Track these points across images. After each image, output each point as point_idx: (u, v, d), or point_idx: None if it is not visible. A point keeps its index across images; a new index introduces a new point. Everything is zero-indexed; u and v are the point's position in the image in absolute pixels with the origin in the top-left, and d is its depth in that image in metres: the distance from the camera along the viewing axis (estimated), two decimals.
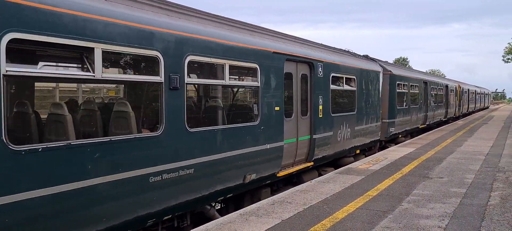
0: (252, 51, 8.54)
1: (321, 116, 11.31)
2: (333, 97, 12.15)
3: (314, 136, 10.99)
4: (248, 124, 8.57)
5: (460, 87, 39.32)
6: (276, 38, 10.06)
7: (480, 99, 61.94)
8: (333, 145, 12.09)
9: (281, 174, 9.68)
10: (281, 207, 7.47)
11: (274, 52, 9.25)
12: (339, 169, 11.48)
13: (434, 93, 26.90)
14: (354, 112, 13.63)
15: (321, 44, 13.34)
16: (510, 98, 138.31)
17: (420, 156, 13.53)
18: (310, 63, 10.91)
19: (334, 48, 14.12)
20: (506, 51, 56.29)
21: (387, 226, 6.40)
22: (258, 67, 8.71)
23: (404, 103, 19.99)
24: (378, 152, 15.82)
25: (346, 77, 13.10)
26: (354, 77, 13.68)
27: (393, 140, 19.32)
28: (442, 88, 29.79)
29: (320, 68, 11.31)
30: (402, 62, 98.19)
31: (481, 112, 51.96)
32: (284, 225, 6.48)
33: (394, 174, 10.48)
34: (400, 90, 19.26)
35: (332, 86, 12.07)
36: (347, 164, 12.51)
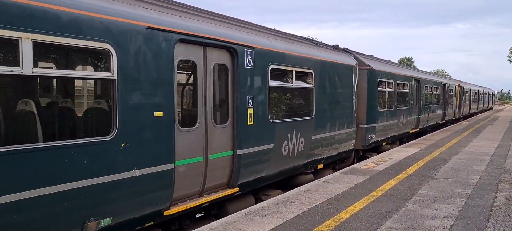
0: (99, 22, 5.45)
1: (251, 123, 8.30)
2: (274, 98, 9.34)
3: (240, 152, 8.02)
4: (88, 140, 5.39)
5: (460, 86, 36.14)
6: (166, 9, 6.86)
7: (483, 100, 58.09)
8: (275, 161, 9.17)
9: (172, 211, 6.65)
10: (285, 206, 7.47)
11: (150, 28, 6.15)
12: (344, 169, 11.46)
13: (429, 93, 24.22)
14: (311, 117, 10.68)
15: (258, 25, 10.04)
16: None
17: (425, 156, 13.49)
18: (231, 49, 7.88)
19: (282, 33, 10.80)
20: (511, 51, 55.97)
21: (392, 227, 6.39)
22: (112, 51, 5.57)
23: (389, 105, 16.75)
24: (354, 163, 13.24)
25: (297, 71, 10.03)
26: (311, 71, 10.64)
27: (375, 149, 16.18)
28: (438, 88, 26.76)
29: (249, 56, 8.29)
30: (407, 62, 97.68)
31: (485, 113, 50.43)
32: (289, 225, 6.48)
33: (399, 174, 10.46)
34: (383, 89, 16.15)
35: (272, 83, 9.11)
36: (304, 183, 10.10)
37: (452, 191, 8.73)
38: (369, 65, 15.08)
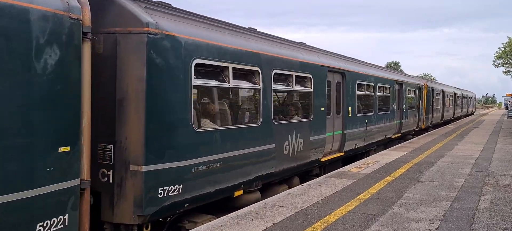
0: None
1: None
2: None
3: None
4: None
5: (427, 86, 27.74)
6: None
7: (462, 104, 49.49)
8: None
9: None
10: (272, 210, 7.48)
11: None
12: (331, 172, 11.52)
13: (369, 95, 15.96)
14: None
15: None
16: (500, 102, 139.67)
17: (411, 159, 13.61)
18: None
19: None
20: (496, 56, 56.90)
21: (378, 230, 6.44)
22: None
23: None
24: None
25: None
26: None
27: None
28: (389, 87, 18.27)
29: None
30: (394, 67, 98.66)
31: (464, 120, 43.13)
32: (276, 229, 6.49)
33: (385, 177, 10.54)
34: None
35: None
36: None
37: (438, 194, 8.82)
38: None
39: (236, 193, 8.36)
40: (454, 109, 42.22)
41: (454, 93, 42.76)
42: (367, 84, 15.52)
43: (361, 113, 15.01)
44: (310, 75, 11.04)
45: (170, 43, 6.58)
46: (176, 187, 6.67)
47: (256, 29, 9.99)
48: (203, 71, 7.48)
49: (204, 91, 8.04)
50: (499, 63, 57.03)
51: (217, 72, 7.83)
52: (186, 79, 6.84)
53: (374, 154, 15.95)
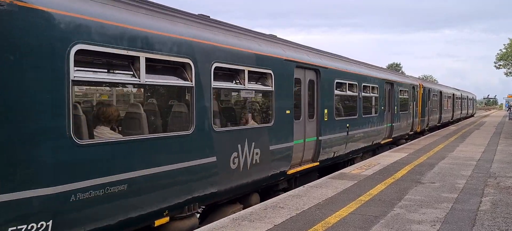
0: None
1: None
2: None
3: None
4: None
5: (423, 87, 25.93)
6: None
7: (461, 106, 47.42)
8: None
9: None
10: (274, 212, 7.48)
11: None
12: (332, 174, 11.50)
13: (349, 96, 14.12)
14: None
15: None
16: (502, 104, 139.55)
17: (413, 161, 13.60)
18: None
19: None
20: (498, 58, 56.82)
21: None
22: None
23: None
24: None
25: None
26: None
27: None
28: (376, 87, 16.39)
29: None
30: (395, 68, 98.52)
31: (464, 122, 41.44)
32: (277, 230, 6.49)
33: (386, 179, 10.52)
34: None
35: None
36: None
37: (439, 195, 8.81)
38: None
39: (158, 222, 6.55)
40: (453, 111, 40.29)
41: (453, 94, 40.66)
42: (349, 84, 13.67)
43: (342, 117, 13.27)
44: (270, 72, 9.17)
45: (29, 19, 4.72)
46: (42, 224, 4.83)
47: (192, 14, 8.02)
48: (93, 61, 5.94)
49: (90, 89, 6.95)
50: (500, 65, 56.95)
51: (122, 64, 6.11)
52: (59, 72, 4.98)
53: (360, 161, 14.43)
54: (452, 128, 31.78)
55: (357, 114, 14.47)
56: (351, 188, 9.49)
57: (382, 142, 17.86)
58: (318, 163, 11.56)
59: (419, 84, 24.98)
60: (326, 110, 11.82)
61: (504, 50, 55.28)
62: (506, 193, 9.09)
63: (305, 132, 10.92)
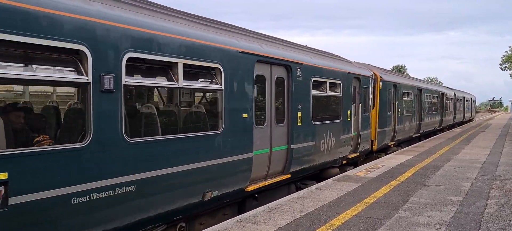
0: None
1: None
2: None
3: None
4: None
5: (382, 80, 17.08)
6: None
7: (454, 109, 37.31)
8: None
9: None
10: (278, 214, 7.46)
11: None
12: (337, 176, 11.47)
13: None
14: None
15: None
16: (507, 106, 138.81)
17: (417, 163, 13.54)
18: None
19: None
20: (503, 59, 56.57)
21: None
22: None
23: None
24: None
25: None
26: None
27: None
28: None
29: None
30: (399, 70, 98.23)
31: (457, 130, 31.89)
32: None
33: (391, 181, 10.48)
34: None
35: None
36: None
37: (444, 198, 8.76)
38: None
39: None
40: (442, 116, 30.65)
41: (442, 93, 31.17)
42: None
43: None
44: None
45: None
46: None
47: None
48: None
49: None
50: (505, 67, 56.67)
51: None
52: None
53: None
54: (457, 130, 31.60)
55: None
56: (356, 190, 9.46)
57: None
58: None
59: (376, 76, 16.68)
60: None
61: (509, 52, 55.02)
62: None
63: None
